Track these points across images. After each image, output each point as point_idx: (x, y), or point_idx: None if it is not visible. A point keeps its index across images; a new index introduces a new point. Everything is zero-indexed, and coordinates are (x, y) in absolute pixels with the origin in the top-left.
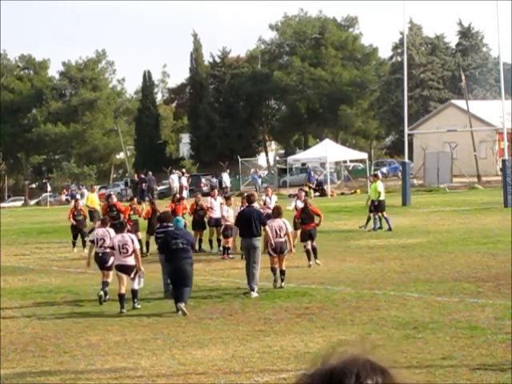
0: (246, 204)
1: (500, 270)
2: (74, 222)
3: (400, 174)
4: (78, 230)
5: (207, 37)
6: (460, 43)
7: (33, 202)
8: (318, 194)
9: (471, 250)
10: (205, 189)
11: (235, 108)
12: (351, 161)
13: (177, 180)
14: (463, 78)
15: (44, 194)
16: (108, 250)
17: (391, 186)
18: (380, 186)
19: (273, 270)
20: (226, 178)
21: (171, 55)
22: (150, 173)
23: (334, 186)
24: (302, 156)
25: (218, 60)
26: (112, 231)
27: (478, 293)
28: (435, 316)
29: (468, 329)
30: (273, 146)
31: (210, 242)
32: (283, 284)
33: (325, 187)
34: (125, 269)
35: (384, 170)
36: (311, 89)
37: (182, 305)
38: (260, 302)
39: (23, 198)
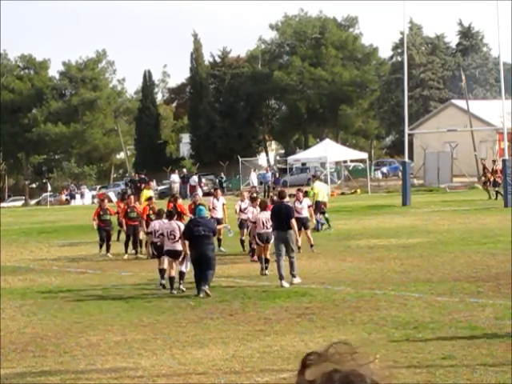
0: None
1: (500, 270)
2: (97, 224)
3: (400, 173)
4: (105, 231)
5: (207, 37)
6: (460, 43)
7: (33, 201)
8: None
9: (471, 249)
10: (205, 188)
11: (235, 108)
12: (351, 161)
13: (177, 180)
14: (463, 77)
15: (44, 194)
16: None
17: (391, 185)
18: (317, 186)
19: (259, 258)
20: (253, 177)
21: (171, 55)
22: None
23: (335, 186)
24: (302, 156)
25: (218, 60)
26: (167, 222)
27: (478, 293)
28: (435, 316)
29: (468, 329)
30: (273, 145)
31: None
32: (267, 272)
33: None
34: (173, 253)
35: (384, 169)
36: (311, 89)
37: (206, 287)
38: (260, 302)
39: (23, 197)
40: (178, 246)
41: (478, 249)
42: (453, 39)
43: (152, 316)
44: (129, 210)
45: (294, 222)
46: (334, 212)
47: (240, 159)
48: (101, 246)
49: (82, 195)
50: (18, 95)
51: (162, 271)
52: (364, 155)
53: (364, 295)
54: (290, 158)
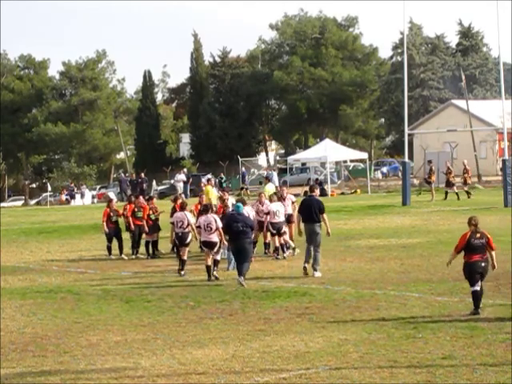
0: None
1: (500, 270)
2: (106, 230)
3: (400, 173)
4: (114, 233)
5: (207, 37)
6: (460, 43)
7: (33, 201)
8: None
9: None
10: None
11: (235, 108)
12: (351, 160)
13: (182, 179)
14: (463, 77)
15: (44, 194)
16: (186, 230)
17: (391, 185)
18: (268, 188)
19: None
20: (274, 177)
21: (171, 55)
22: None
23: (335, 186)
24: (302, 156)
25: (218, 60)
26: (189, 214)
27: None
28: (435, 316)
29: (468, 329)
30: (273, 145)
31: None
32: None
33: (325, 187)
34: (209, 244)
35: (384, 169)
36: (311, 89)
37: (241, 278)
38: (260, 302)
39: (23, 197)
40: (214, 238)
41: None
42: (453, 39)
43: (152, 316)
44: (136, 210)
45: (325, 216)
46: (334, 212)
47: (240, 159)
48: (109, 248)
49: (82, 195)
50: (18, 95)
51: (183, 262)
52: (364, 155)
53: (364, 295)
54: (290, 158)
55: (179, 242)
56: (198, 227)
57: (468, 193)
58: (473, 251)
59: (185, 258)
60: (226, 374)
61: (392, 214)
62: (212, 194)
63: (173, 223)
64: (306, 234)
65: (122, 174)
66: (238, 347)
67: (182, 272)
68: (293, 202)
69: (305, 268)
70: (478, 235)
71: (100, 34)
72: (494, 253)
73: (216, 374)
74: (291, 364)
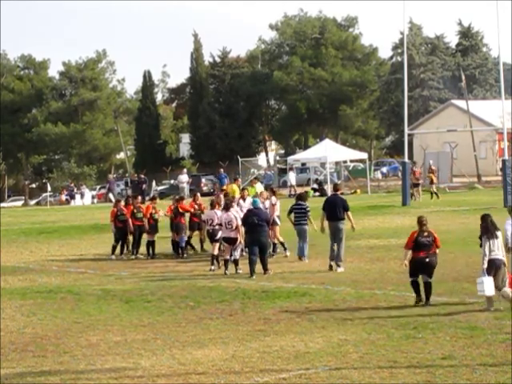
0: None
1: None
2: (113, 229)
3: (400, 173)
4: (123, 233)
5: (207, 37)
6: (460, 43)
7: (33, 201)
8: (318, 193)
9: (471, 250)
10: (205, 188)
11: (235, 108)
12: (351, 161)
13: (185, 179)
14: (463, 77)
15: (44, 194)
16: (217, 227)
17: (391, 185)
18: (258, 187)
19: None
20: (291, 176)
21: (171, 55)
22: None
23: None
24: (302, 156)
25: (218, 60)
26: (218, 212)
27: None
28: (435, 316)
29: (468, 329)
30: (273, 145)
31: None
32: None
33: (325, 187)
34: (230, 241)
35: (384, 169)
36: (311, 89)
37: (268, 272)
38: (260, 302)
39: (23, 197)
40: (233, 234)
41: (478, 249)
42: (453, 39)
43: (152, 316)
44: (135, 211)
45: (350, 213)
46: None
47: (240, 159)
48: (114, 248)
49: (82, 195)
50: (18, 95)
51: (213, 257)
52: (364, 155)
53: (364, 295)
54: (290, 158)
55: (210, 238)
56: (220, 224)
57: (432, 194)
58: (419, 248)
59: (215, 253)
60: (225, 374)
61: (392, 214)
62: (237, 192)
63: (204, 221)
64: (330, 231)
65: (110, 176)
66: (237, 347)
67: (213, 267)
68: (273, 205)
69: (331, 266)
70: (426, 234)
71: (100, 34)
72: (437, 250)
73: (216, 374)
74: (291, 364)
